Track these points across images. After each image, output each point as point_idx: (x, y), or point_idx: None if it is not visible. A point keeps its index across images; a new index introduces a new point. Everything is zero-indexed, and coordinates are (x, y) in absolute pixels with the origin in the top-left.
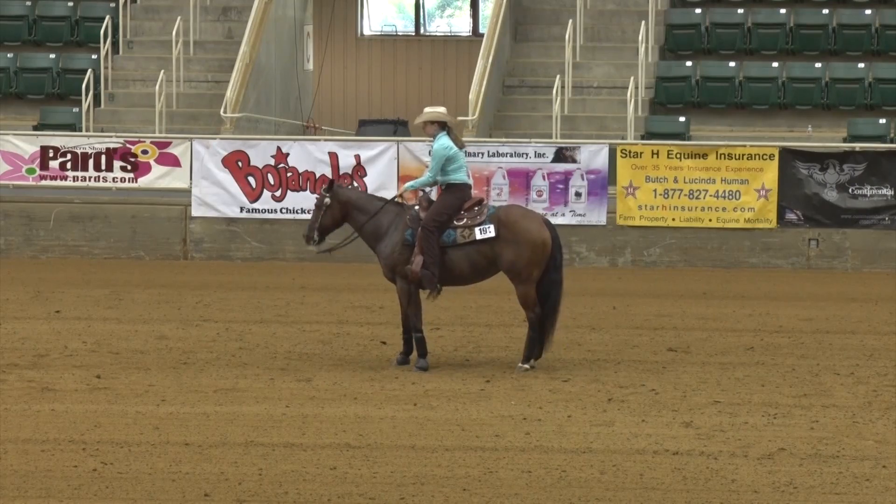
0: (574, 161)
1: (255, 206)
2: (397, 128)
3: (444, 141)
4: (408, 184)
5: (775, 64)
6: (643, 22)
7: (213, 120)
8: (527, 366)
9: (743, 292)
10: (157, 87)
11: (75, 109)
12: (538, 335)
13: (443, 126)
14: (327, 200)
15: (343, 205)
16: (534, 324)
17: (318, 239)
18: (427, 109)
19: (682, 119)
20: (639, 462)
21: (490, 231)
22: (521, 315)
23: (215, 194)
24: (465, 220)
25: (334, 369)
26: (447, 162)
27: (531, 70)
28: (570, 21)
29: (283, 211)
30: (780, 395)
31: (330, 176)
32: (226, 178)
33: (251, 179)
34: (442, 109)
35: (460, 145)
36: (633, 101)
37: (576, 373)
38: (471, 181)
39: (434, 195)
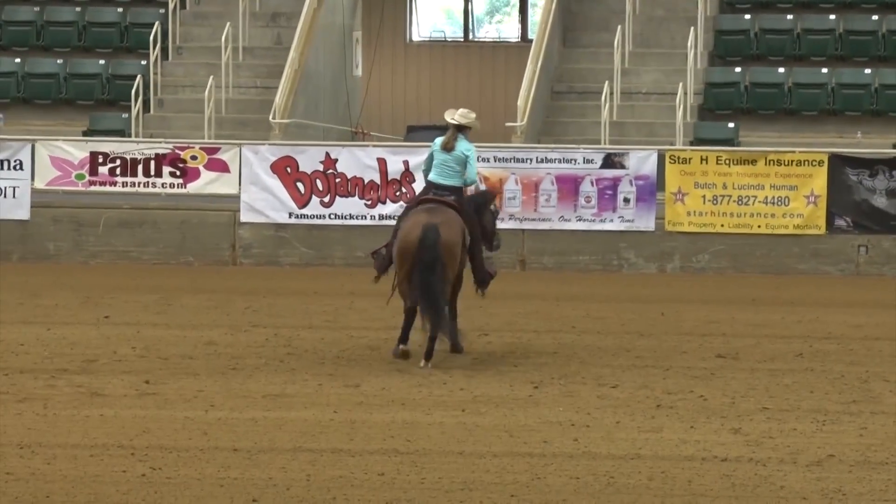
0: (623, 167)
1: (304, 211)
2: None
3: (435, 140)
4: None
5: (824, 70)
6: (692, 28)
7: (261, 126)
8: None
9: (792, 299)
10: (206, 92)
11: (124, 115)
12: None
13: (459, 129)
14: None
15: None
16: (405, 313)
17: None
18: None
19: (731, 125)
20: (687, 469)
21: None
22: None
23: (264, 200)
24: None
25: (382, 375)
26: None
27: (580, 76)
28: (619, 27)
29: (332, 217)
30: (828, 401)
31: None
32: (274, 183)
33: (300, 185)
34: (456, 113)
35: (444, 146)
36: (681, 107)
37: (624, 379)
38: (439, 181)
39: (471, 190)
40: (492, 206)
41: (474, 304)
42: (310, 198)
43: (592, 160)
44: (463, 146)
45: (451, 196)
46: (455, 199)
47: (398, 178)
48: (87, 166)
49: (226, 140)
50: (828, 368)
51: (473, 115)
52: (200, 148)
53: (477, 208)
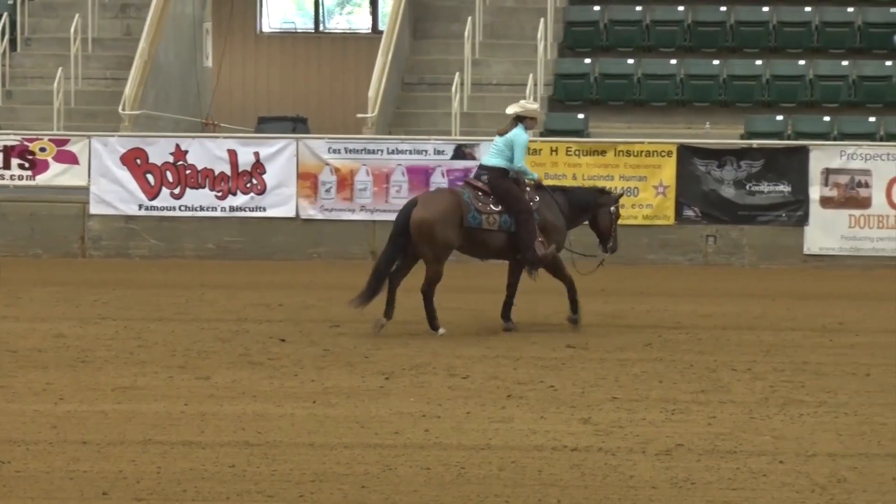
0: (474, 158)
1: (154, 203)
2: (296, 125)
3: None
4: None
5: (673, 61)
6: (542, 19)
7: (111, 117)
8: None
9: (641, 289)
10: (55, 84)
11: None
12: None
13: (519, 119)
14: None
15: None
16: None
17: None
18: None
19: (580, 116)
20: (537, 458)
21: None
22: (420, 312)
23: (114, 192)
24: None
25: (233, 367)
26: None
27: (431, 67)
28: (470, 18)
29: (182, 209)
30: (677, 391)
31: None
32: (124, 175)
33: (150, 177)
34: (517, 104)
35: (500, 131)
36: (532, 97)
37: (475, 369)
38: (482, 161)
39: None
40: (612, 208)
41: (328, 296)
42: (160, 189)
43: (443, 151)
44: (514, 132)
45: (485, 175)
46: (488, 178)
47: (249, 170)
48: None
49: (75, 132)
50: (677, 358)
51: (533, 106)
52: (49, 140)
53: (589, 204)
